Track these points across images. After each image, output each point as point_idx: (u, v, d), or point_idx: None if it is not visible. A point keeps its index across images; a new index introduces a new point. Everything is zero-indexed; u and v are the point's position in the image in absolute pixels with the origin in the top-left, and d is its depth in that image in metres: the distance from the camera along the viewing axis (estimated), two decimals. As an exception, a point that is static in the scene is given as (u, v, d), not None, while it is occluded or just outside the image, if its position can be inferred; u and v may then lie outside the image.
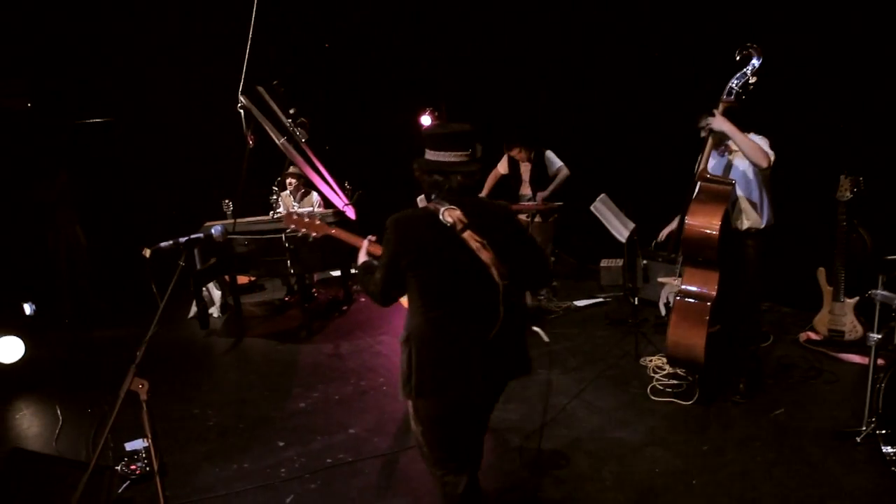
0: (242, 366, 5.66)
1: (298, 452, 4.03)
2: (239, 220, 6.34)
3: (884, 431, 3.47)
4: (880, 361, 3.92)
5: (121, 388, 2.30)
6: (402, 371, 2.59)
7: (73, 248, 7.09)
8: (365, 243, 3.01)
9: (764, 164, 3.86)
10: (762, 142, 3.94)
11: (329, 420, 4.45)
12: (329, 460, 3.92)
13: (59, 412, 4.70)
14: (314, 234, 3.22)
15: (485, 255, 2.44)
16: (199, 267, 6.13)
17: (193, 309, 6.68)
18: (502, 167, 6.76)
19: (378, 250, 2.77)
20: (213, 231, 2.89)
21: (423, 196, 8.27)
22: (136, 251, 2.97)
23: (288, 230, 2.84)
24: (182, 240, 2.72)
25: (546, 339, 4.71)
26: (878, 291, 3.62)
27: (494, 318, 2.47)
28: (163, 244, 2.73)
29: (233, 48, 6.12)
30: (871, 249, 4.84)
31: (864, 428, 3.70)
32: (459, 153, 2.57)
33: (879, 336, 3.65)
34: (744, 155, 3.98)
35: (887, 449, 3.43)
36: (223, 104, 6.37)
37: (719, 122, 3.93)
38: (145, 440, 2.35)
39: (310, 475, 3.76)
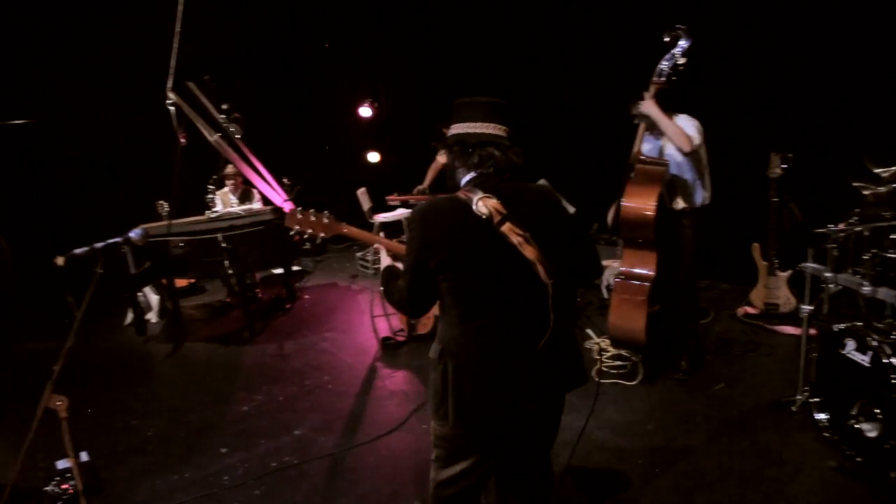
0: (183, 372, 5.47)
1: (242, 458, 3.91)
2: (176, 221, 6.13)
3: (817, 399, 3.57)
4: (812, 332, 4.03)
5: (38, 407, 2.16)
6: (434, 391, 2.21)
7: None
8: (391, 244, 2.67)
9: (686, 149, 3.90)
10: (690, 125, 3.98)
11: (274, 422, 4.34)
12: (274, 464, 3.81)
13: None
14: (322, 234, 2.67)
15: (528, 251, 2.06)
16: (133, 271, 5.91)
17: (130, 316, 6.45)
18: (441, 157, 6.71)
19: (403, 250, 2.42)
20: (131, 234, 2.75)
21: (364, 189, 8.23)
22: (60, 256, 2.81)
23: (292, 231, 2.51)
24: (98, 245, 2.57)
25: None
26: (808, 264, 3.71)
27: (544, 323, 2.11)
28: (77, 251, 2.56)
29: (160, 43, 5.89)
30: (802, 223, 4.97)
31: (798, 397, 3.81)
32: (499, 126, 2.21)
33: (811, 307, 3.75)
34: (668, 139, 4.02)
35: (820, 416, 3.54)
36: (152, 101, 6.14)
37: (647, 107, 3.97)
38: (67, 461, 2.21)
39: (254, 481, 3.65)
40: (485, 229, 2.07)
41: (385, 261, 2.55)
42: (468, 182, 2.21)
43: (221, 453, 3.99)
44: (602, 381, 4.47)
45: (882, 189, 3.47)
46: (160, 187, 6.35)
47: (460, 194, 2.16)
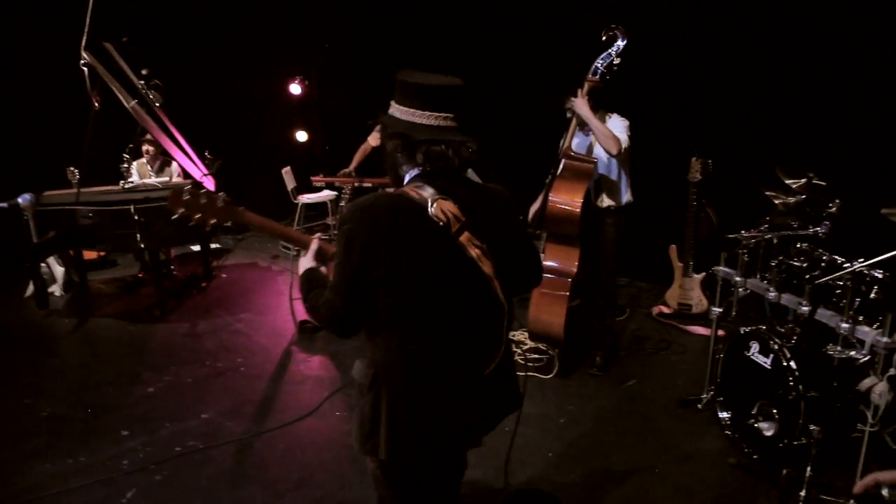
0: (86, 348, 5.20)
1: (144, 442, 3.74)
2: (86, 190, 5.80)
3: (721, 398, 3.70)
4: (721, 333, 4.18)
5: None
6: (360, 420, 1.92)
7: None
8: (313, 244, 2.18)
9: (613, 152, 3.95)
10: (619, 127, 4.03)
11: (180, 405, 4.17)
12: (178, 449, 3.67)
13: None
14: (213, 221, 2.21)
15: (486, 266, 1.82)
16: (35, 240, 5.55)
17: (31, 287, 6.07)
18: (373, 139, 6.59)
19: (331, 251, 2.10)
20: (19, 200, 2.53)
21: (288, 168, 8.02)
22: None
23: (174, 216, 2.12)
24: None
25: None
26: (720, 268, 3.84)
27: (495, 346, 1.90)
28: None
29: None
30: (717, 228, 5.14)
31: (704, 395, 3.94)
32: (450, 116, 1.88)
33: (720, 310, 3.88)
34: (596, 140, 4.06)
35: (723, 414, 3.67)
36: (65, 61, 5.77)
37: (579, 105, 3.99)
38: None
39: (155, 466, 3.50)
40: (440, 237, 1.77)
41: (306, 263, 2.13)
42: (415, 178, 1.87)
43: (122, 436, 3.81)
44: (518, 373, 4.50)
45: (791, 199, 3.61)
46: (71, 153, 6.00)
47: (410, 192, 1.82)
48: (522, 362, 4.63)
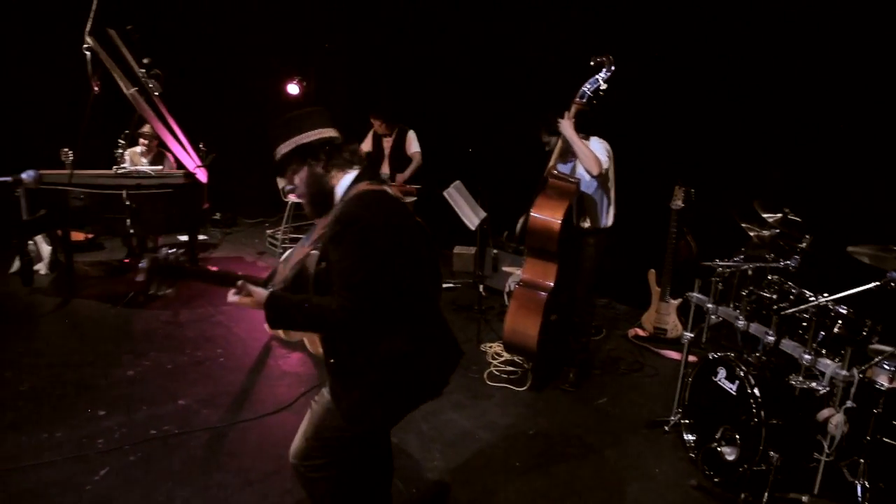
0: (68, 328, 5.24)
1: (120, 423, 3.80)
2: (79, 172, 5.84)
3: (687, 421, 3.81)
4: (693, 358, 4.29)
5: None
6: (351, 401, 2.19)
7: None
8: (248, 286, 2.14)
9: (594, 172, 4.08)
10: (601, 149, 4.16)
11: (158, 390, 4.23)
12: (153, 431, 3.73)
13: None
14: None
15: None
16: (25, 217, 5.59)
17: (17, 263, 6.09)
18: (366, 145, 6.72)
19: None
20: (23, 175, 2.61)
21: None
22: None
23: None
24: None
25: None
26: (693, 294, 3.96)
27: (439, 298, 2.31)
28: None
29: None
30: (696, 255, 5.27)
31: (672, 418, 4.04)
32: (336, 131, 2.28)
33: (692, 335, 3.99)
34: (579, 160, 4.19)
35: (688, 437, 3.77)
36: (68, 44, 5.83)
37: (564, 127, 4.13)
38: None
39: (130, 447, 3.56)
40: (412, 218, 2.16)
41: (257, 292, 2.11)
42: (357, 179, 2.21)
43: (99, 416, 3.87)
44: (491, 383, 4.61)
45: (766, 232, 3.75)
46: (67, 134, 6.05)
47: (371, 186, 2.16)
48: (497, 373, 4.72)
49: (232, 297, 2.12)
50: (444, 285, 6.74)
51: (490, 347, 5.12)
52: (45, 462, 3.37)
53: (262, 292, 2.10)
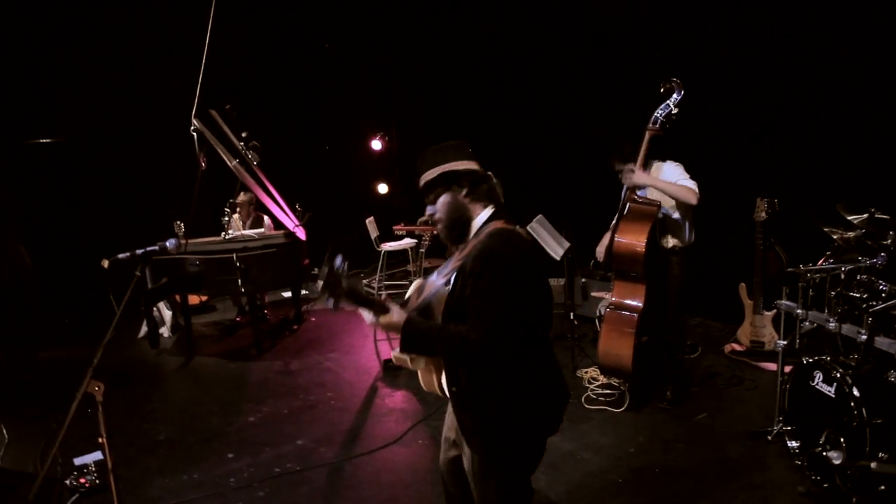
0: (192, 383, 5.75)
1: (247, 463, 4.16)
2: (190, 241, 6.44)
3: (789, 428, 3.80)
4: (789, 367, 4.26)
5: (77, 390, 2.43)
6: (486, 437, 2.26)
7: (16, 268, 7.08)
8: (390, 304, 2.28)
9: (693, 201, 4.13)
10: (678, 173, 4.26)
11: (277, 433, 4.59)
12: (277, 470, 4.06)
13: (3, 432, 4.71)
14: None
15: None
16: (150, 286, 6.21)
17: (144, 329, 6.73)
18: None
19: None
20: (167, 244, 3.04)
21: (372, 218, 8.55)
22: (90, 268, 3.09)
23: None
24: (139, 252, 2.87)
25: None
26: (782, 301, 3.98)
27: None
28: (121, 255, 2.86)
29: (186, 71, 6.27)
30: (787, 265, 5.23)
31: (774, 427, 4.03)
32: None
33: (785, 342, 3.99)
34: (673, 200, 4.27)
35: (792, 443, 3.75)
36: (176, 126, 6.51)
37: (640, 178, 4.24)
38: (99, 439, 2.47)
39: (258, 484, 3.90)
40: (543, 262, 2.38)
41: (396, 316, 2.24)
42: (493, 216, 2.30)
43: (228, 458, 4.24)
44: (589, 406, 4.71)
45: (850, 234, 3.75)
46: (178, 208, 6.71)
47: (505, 226, 2.25)
48: (594, 397, 4.82)
49: (369, 317, 2.23)
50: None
51: (586, 373, 5.23)
52: (188, 500, 3.75)
53: (402, 313, 2.21)
